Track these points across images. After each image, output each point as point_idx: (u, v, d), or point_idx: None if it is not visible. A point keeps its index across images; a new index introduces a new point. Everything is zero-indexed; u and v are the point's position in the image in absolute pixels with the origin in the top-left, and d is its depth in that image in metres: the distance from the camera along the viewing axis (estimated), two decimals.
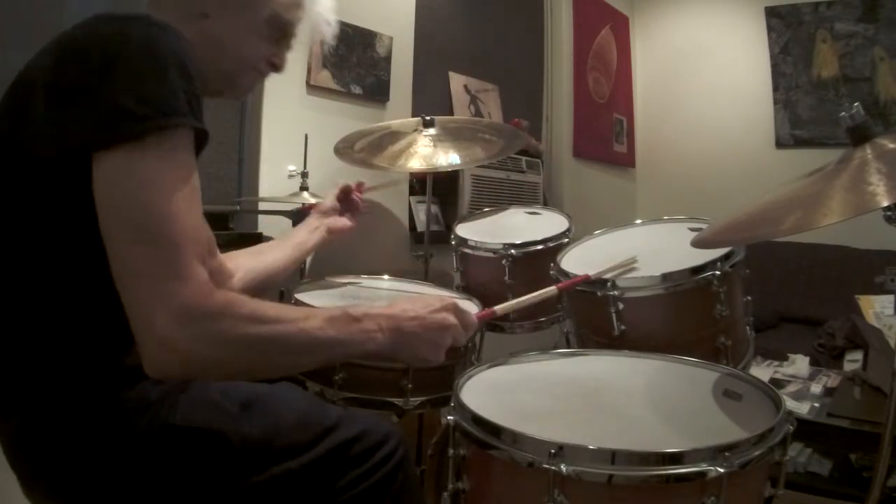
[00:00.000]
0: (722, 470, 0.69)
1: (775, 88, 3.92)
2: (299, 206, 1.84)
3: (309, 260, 2.01)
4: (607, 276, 1.24)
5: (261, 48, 0.93)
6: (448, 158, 1.84)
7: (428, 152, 1.85)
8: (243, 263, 1.20)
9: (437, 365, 0.92)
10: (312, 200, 1.78)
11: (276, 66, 0.97)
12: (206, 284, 0.70)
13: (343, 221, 1.39)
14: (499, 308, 1.10)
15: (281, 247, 1.29)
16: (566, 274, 1.30)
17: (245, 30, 0.90)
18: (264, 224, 2.05)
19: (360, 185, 1.44)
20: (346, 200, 1.42)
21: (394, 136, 1.93)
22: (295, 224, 1.87)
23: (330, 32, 1.05)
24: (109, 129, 0.67)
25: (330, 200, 1.40)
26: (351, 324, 0.82)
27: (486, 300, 1.44)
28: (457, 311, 0.92)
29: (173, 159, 0.70)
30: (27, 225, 0.76)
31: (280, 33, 0.94)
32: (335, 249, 1.39)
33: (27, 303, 0.77)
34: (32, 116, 0.72)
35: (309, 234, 1.33)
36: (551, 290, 1.21)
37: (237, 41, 0.89)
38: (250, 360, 0.74)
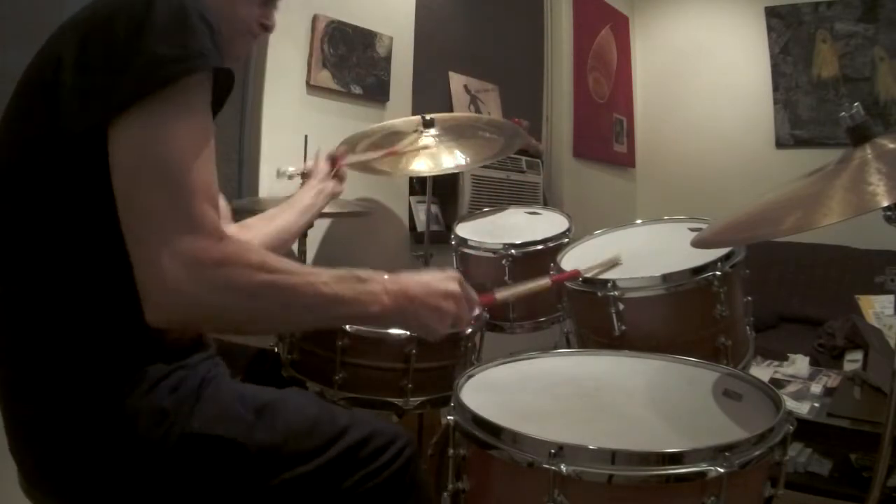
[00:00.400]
0: (722, 470, 0.69)
1: (775, 88, 3.92)
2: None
3: (310, 260, 2.02)
4: (597, 273, 1.26)
5: (252, 11, 0.95)
6: (451, 158, 1.83)
7: (430, 155, 1.84)
8: (258, 229, 1.27)
9: (440, 337, 0.91)
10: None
11: (267, 27, 0.98)
12: (216, 231, 0.71)
13: (337, 187, 1.48)
14: (498, 294, 1.10)
15: (290, 210, 1.36)
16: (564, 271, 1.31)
17: None
18: None
19: (343, 155, 1.53)
20: (333, 167, 1.50)
21: (395, 136, 1.93)
22: None
23: None
24: (148, 77, 0.68)
25: (323, 168, 1.47)
26: (357, 284, 0.83)
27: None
28: (462, 283, 0.93)
29: (195, 107, 0.72)
30: (48, 211, 0.76)
31: None
32: (335, 249, 1.39)
33: (46, 297, 0.77)
34: (61, 92, 0.72)
35: (314, 197, 1.40)
36: (545, 282, 1.21)
37: (230, 6, 0.91)
38: (255, 309, 0.74)
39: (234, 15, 0.92)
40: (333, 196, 1.47)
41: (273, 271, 0.74)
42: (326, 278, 0.79)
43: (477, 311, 0.97)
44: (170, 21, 0.71)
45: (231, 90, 0.79)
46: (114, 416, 0.77)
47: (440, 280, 0.91)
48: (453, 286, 0.91)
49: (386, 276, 0.86)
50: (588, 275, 1.26)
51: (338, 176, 1.50)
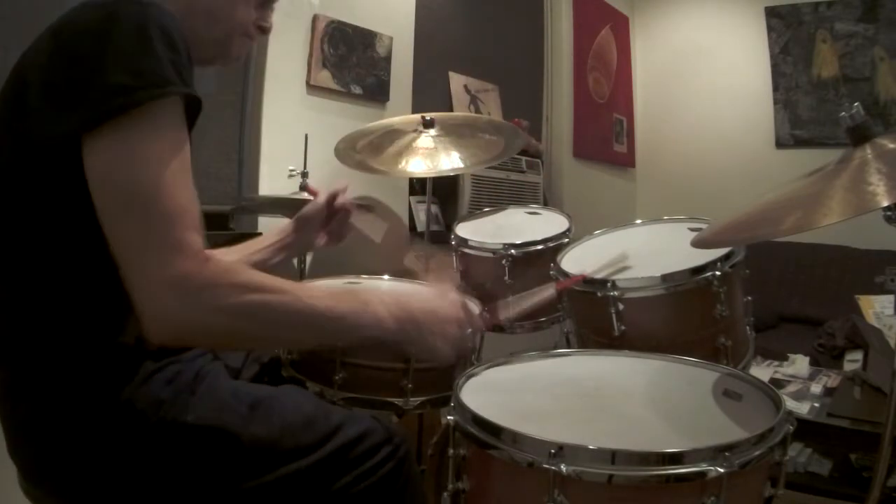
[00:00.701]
0: (722, 470, 0.69)
1: (775, 88, 3.92)
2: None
3: (309, 260, 2.02)
4: (604, 273, 1.25)
5: (249, 13, 0.95)
6: (450, 160, 1.83)
7: (429, 155, 1.84)
8: None
9: (444, 363, 0.90)
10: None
11: (264, 30, 0.99)
12: (199, 253, 0.71)
13: (314, 238, 1.24)
14: (502, 315, 1.09)
15: (241, 253, 1.18)
16: (566, 274, 1.30)
17: None
18: (264, 224, 2.05)
19: (346, 209, 1.24)
20: (334, 212, 1.26)
21: (394, 135, 1.93)
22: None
23: None
24: (104, 105, 0.69)
25: (316, 206, 1.24)
26: (356, 304, 0.83)
27: (486, 300, 1.44)
28: (465, 307, 0.92)
29: (163, 131, 0.72)
30: (31, 213, 0.76)
31: None
32: (335, 250, 1.38)
33: (34, 291, 0.78)
34: (30, 106, 0.73)
35: (272, 253, 1.20)
36: (550, 289, 1.21)
37: (225, 8, 0.92)
38: (246, 329, 0.74)
39: (232, 16, 0.92)
40: (308, 247, 1.24)
41: (262, 290, 0.74)
42: (322, 297, 0.80)
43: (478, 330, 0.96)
44: (130, 47, 0.71)
45: (199, 114, 0.78)
46: (109, 410, 0.77)
47: (446, 306, 0.90)
48: (459, 313, 0.91)
49: (387, 299, 0.86)
50: (597, 276, 1.24)
51: (336, 227, 1.24)
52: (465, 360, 1.33)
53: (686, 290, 1.18)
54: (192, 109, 0.77)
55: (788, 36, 3.88)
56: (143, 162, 0.69)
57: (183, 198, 0.71)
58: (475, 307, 1.36)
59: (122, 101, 0.69)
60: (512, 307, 1.14)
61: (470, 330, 0.93)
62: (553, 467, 0.71)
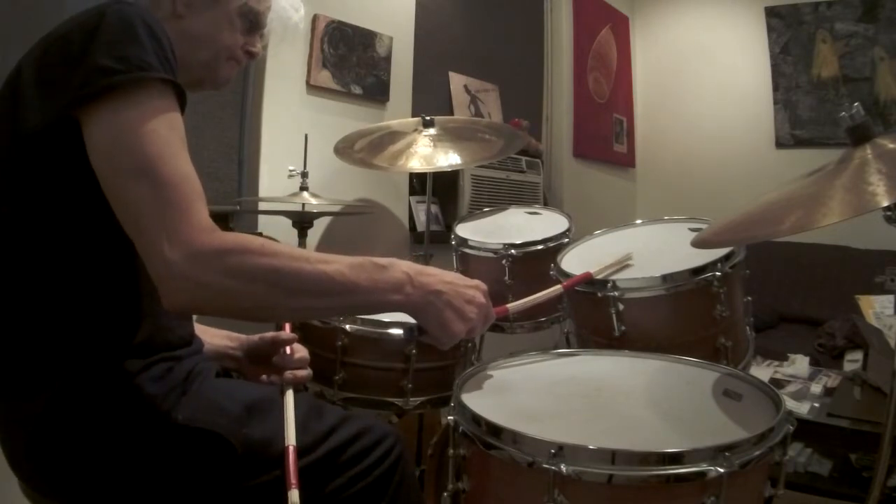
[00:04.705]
0: (722, 470, 0.69)
1: (775, 88, 3.92)
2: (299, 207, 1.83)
3: None
4: (608, 273, 1.25)
5: (235, 38, 0.97)
6: (448, 158, 1.84)
7: (427, 152, 1.85)
8: None
9: (449, 344, 0.89)
10: (313, 201, 1.78)
11: (252, 54, 1.01)
12: (208, 221, 0.72)
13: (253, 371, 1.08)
14: (510, 307, 1.10)
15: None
16: (566, 274, 1.30)
17: (217, 22, 0.95)
18: (264, 224, 2.05)
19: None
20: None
21: (394, 135, 1.94)
22: (295, 224, 1.87)
23: (296, 16, 1.08)
24: (90, 85, 0.71)
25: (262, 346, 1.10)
26: (375, 271, 0.81)
27: None
28: (486, 294, 0.91)
29: (156, 108, 0.73)
30: (27, 209, 0.77)
31: (251, 23, 0.99)
32: (335, 250, 1.38)
33: (24, 295, 0.78)
34: (24, 99, 0.76)
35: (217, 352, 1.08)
36: (557, 289, 1.21)
37: (212, 34, 0.94)
38: (263, 295, 0.74)
39: (217, 40, 0.95)
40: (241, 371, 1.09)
41: (275, 256, 0.74)
42: (340, 266, 0.78)
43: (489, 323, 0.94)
44: (116, 37, 0.73)
45: (185, 106, 0.79)
46: (100, 407, 0.77)
47: (468, 286, 0.89)
48: (479, 296, 0.90)
49: (410, 266, 0.85)
50: (599, 276, 1.25)
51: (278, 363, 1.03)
52: (465, 360, 1.33)
53: (686, 290, 1.18)
54: (179, 100, 0.78)
55: (788, 36, 3.88)
56: (144, 133, 0.71)
57: (187, 167, 0.73)
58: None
59: (107, 81, 0.71)
60: (521, 301, 1.13)
61: (484, 320, 0.90)
62: (553, 467, 0.71)
